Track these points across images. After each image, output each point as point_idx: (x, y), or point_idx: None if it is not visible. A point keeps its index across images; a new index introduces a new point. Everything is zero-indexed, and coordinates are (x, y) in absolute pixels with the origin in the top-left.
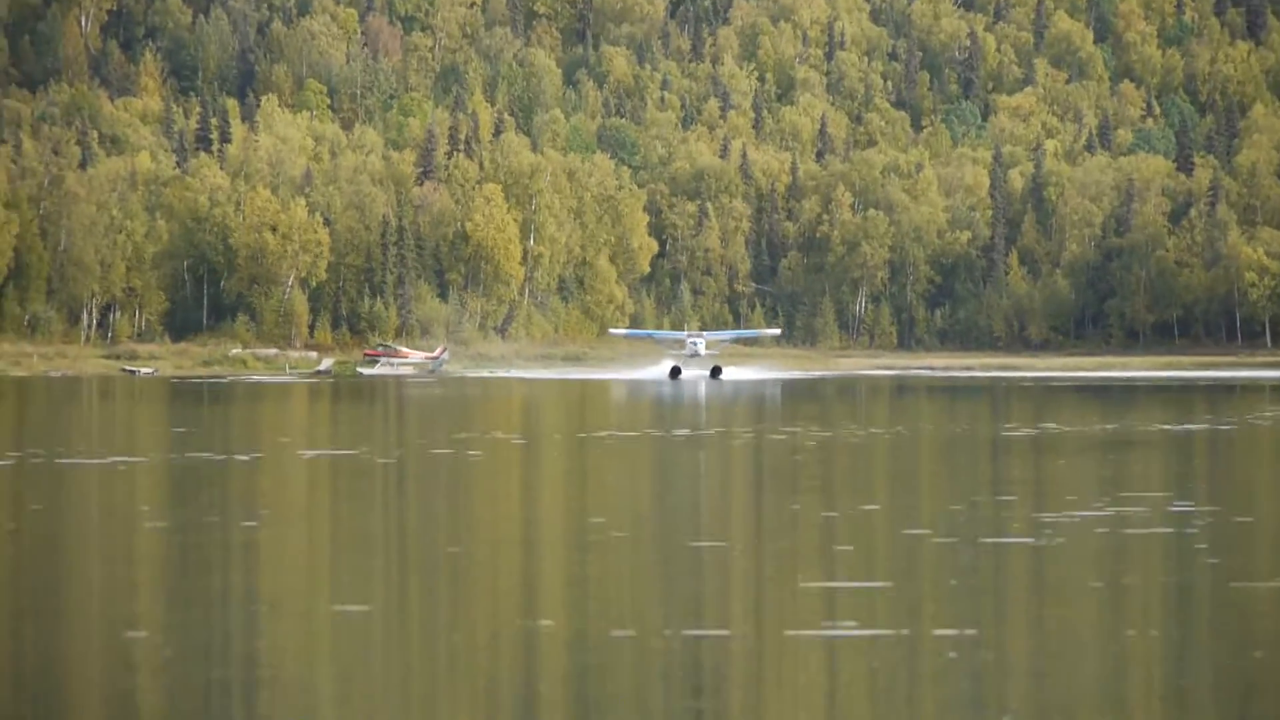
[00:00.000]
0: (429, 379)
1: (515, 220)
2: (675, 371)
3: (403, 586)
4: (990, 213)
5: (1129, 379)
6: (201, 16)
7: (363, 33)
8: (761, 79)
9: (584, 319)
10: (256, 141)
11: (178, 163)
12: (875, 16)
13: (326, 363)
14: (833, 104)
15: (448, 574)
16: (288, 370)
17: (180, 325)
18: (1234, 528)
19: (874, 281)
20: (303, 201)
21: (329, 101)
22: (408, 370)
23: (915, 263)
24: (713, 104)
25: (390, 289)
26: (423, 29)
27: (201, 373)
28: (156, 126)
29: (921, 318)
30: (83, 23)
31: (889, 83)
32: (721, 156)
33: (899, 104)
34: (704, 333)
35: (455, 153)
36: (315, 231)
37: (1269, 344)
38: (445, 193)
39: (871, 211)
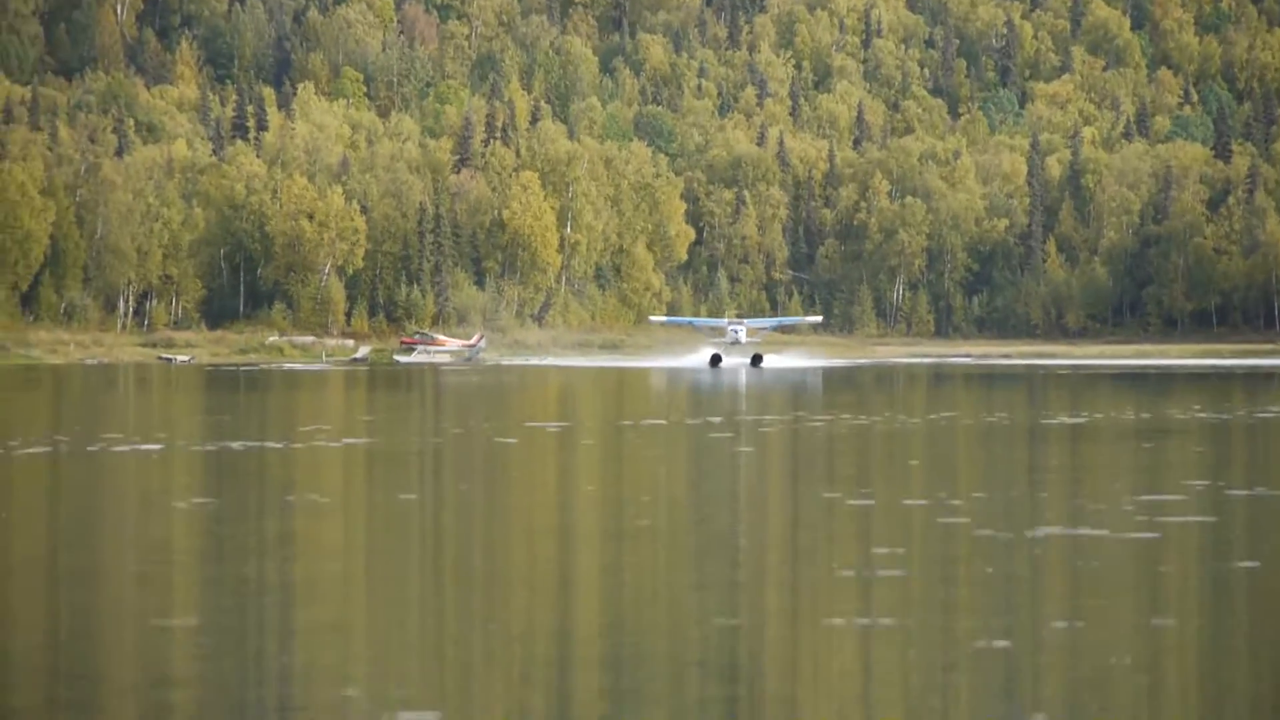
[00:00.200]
0: (466, 366)
1: (552, 208)
2: (715, 359)
3: (438, 573)
4: (1028, 200)
5: (1167, 367)
6: (237, 5)
7: (399, 21)
8: (798, 67)
9: (621, 306)
10: (293, 129)
11: (214, 150)
12: (912, 4)
13: (363, 350)
14: (870, 92)
15: (483, 561)
16: (324, 358)
17: (217, 313)
18: (1272, 515)
19: (911, 269)
20: (339, 189)
21: (365, 89)
22: (444, 358)
23: (953, 250)
24: (749, 92)
25: (427, 276)
26: (459, 17)
27: (238, 360)
28: (193, 114)
29: (959, 305)
30: (118, 11)
31: (926, 70)
32: (758, 144)
33: (936, 91)
34: (744, 320)
35: (492, 140)
36: (352, 219)
37: None
38: (482, 180)
39: (909, 199)
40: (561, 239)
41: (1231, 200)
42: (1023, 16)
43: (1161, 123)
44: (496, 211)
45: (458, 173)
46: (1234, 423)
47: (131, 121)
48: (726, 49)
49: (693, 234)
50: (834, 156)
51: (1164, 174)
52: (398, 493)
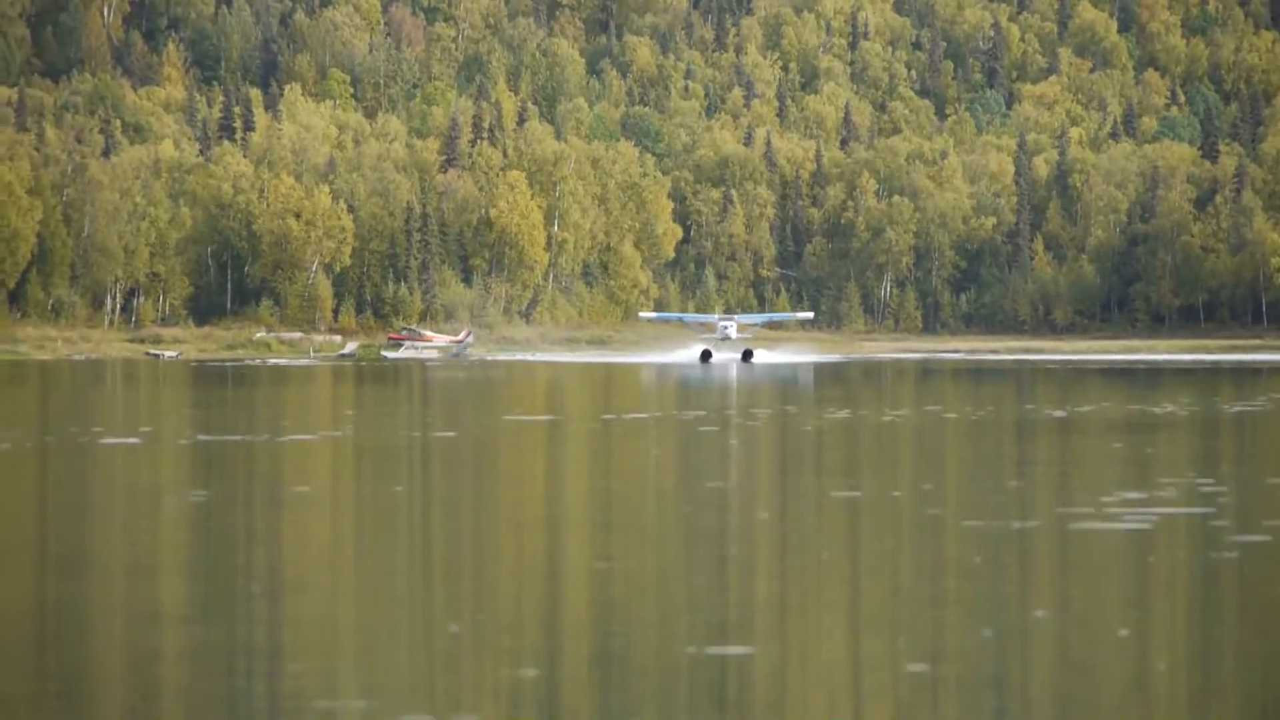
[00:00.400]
0: (453, 362)
1: (539, 207)
2: (706, 355)
3: (426, 566)
4: (1015, 199)
5: (1154, 362)
6: (224, 7)
7: (385, 23)
8: (785, 68)
9: (608, 303)
10: (280, 130)
11: (201, 151)
12: (899, 6)
13: (351, 346)
14: (857, 93)
15: (471, 552)
16: (311, 354)
17: (204, 310)
18: (1260, 508)
19: (899, 267)
20: (326, 189)
21: (352, 91)
22: (432, 354)
23: (940, 248)
24: (736, 93)
25: (414, 274)
26: (446, 19)
27: (225, 356)
28: (179, 115)
29: (946, 302)
30: (105, 13)
31: (913, 72)
32: (745, 144)
33: (923, 93)
34: (735, 316)
35: (479, 140)
36: (339, 218)
37: None
38: (469, 180)
39: (896, 198)
40: (549, 237)
41: (1219, 199)
42: (1010, 19)
43: (1149, 123)
44: (484, 210)
45: (445, 172)
46: (1221, 416)
47: (118, 122)
48: (713, 51)
49: (680, 232)
50: (821, 156)
51: (1151, 174)
52: (385, 486)
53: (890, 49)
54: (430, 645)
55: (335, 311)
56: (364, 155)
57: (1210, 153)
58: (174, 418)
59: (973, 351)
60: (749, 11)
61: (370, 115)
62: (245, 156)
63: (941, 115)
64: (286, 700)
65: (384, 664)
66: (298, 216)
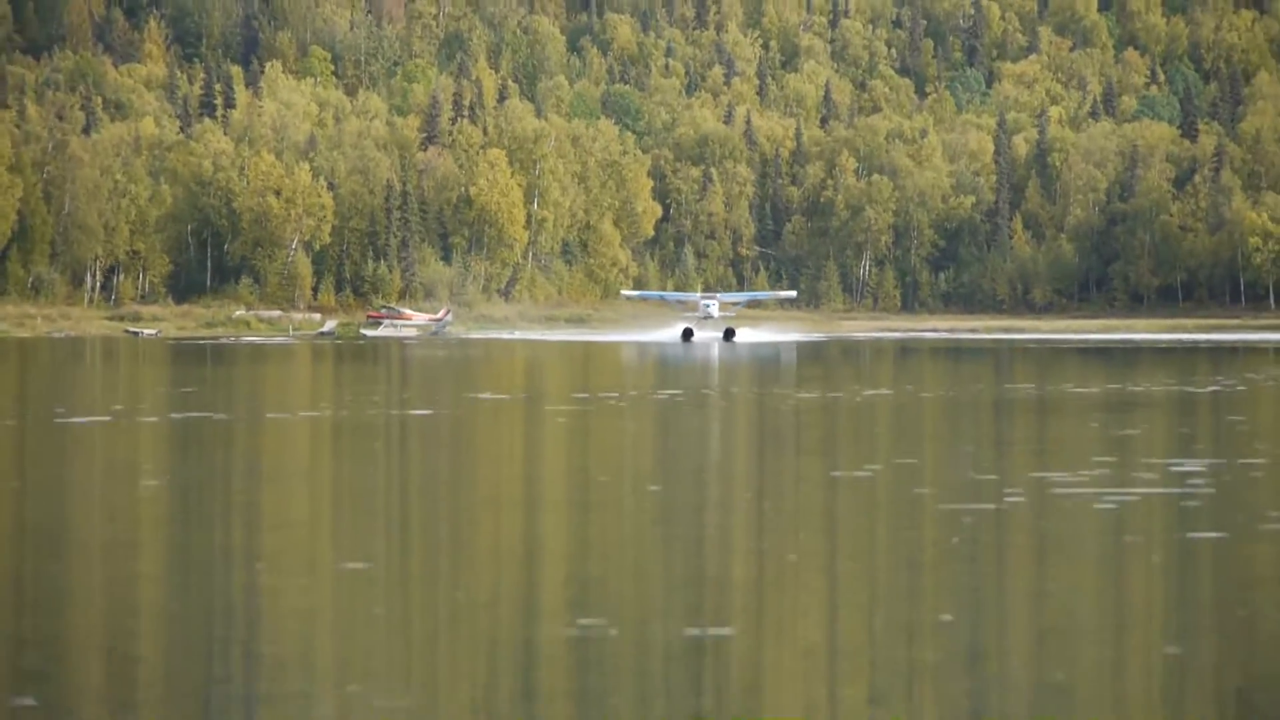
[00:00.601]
0: (432, 341)
1: (519, 185)
2: (687, 334)
3: (404, 545)
4: (994, 178)
5: (1133, 341)
6: None
7: (366, 0)
8: (765, 46)
9: (588, 282)
10: (260, 107)
11: (181, 128)
12: None
13: (330, 324)
14: (837, 71)
15: (448, 533)
16: (290, 332)
17: (184, 288)
18: (1236, 486)
19: (878, 245)
20: (306, 166)
21: (333, 68)
22: (411, 332)
23: (919, 227)
24: (716, 71)
25: (394, 252)
26: None
27: (204, 334)
28: (160, 93)
29: (925, 281)
30: None
31: (893, 50)
32: (726, 123)
33: (903, 71)
34: (717, 294)
35: (459, 118)
36: (319, 195)
37: (1273, 306)
38: (449, 158)
39: (876, 176)
40: (528, 215)
41: (1198, 179)
42: None
43: (1128, 102)
44: (464, 188)
45: (425, 150)
46: (1199, 395)
47: (99, 99)
48: (694, 29)
49: (659, 211)
50: (801, 135)
51: (1130, 153)
52: (363, 464)
53: (870, 27)
54: (407, 624)
55: (315, 289)
56: (344, 133)
57: (1190, 132)
58: (152, 396)
59: (952, 330)
60: None
61: (351, 93)
62: (226, 134)
63: (921, 94)
64: (264, 680)
65: (361, 644)
66: (278, 194)
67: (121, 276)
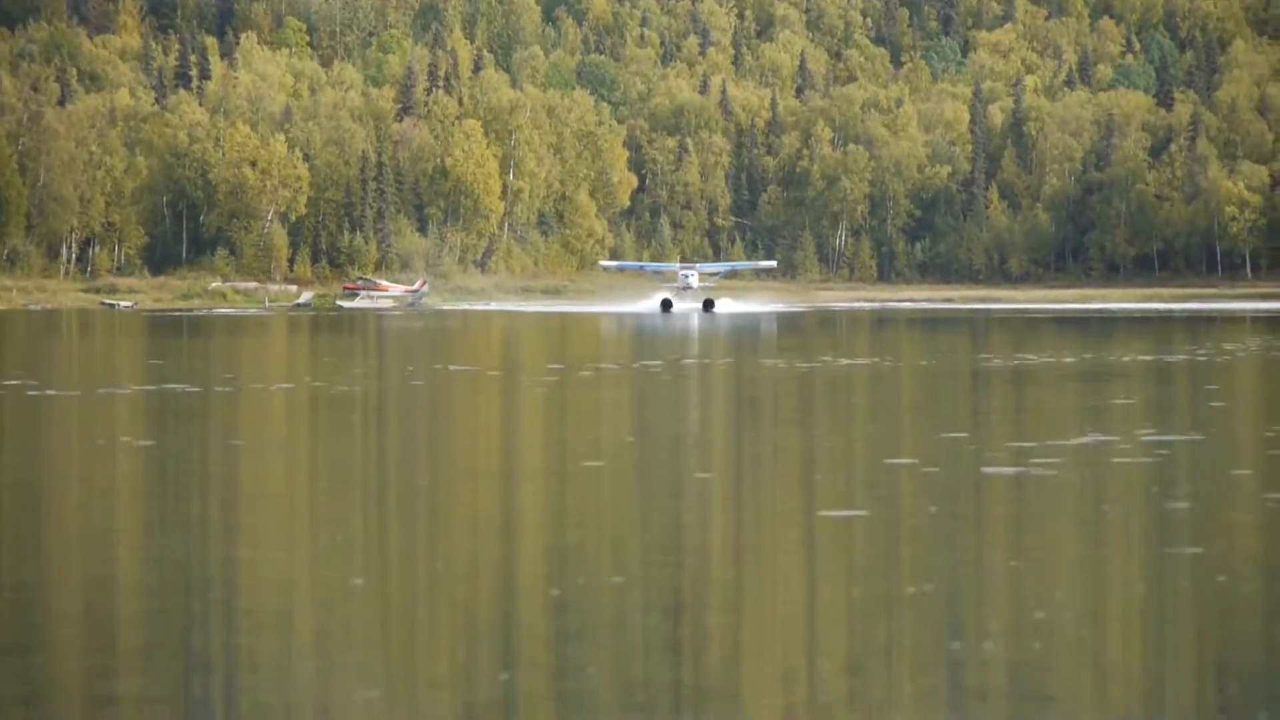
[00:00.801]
0: (408, 312)
1: (495, 156)
2: (666, 304)
3: (381, 517)
4: (970, 147)
5: (1109, 310)
6: None
7: None
8: (741, 16)
9: (563, 252)
10: (236, 78)
11: (157, 100)
12: None
13: (306, 296)
14: (812, 40)
15: (426, 504)
16: (266, 304)
17: (160, 259)
18: (1212, 455)
19: (854, 215)
20: (282, 137)
21: (308, 39)
22: (387, 303)
23: (895, 197)
24: (692, 41)
25: (370, 223)
26: None
27: (181, 306)
28: (135, 64)
29: (901, 251)
30: None
31: (868, 20)
32: (701, 93)
33: (879, 40)
34: (696, 265)
35: (434, 89)
36: (295, 167)
37: (1249, 275)
38: (425, 129)
39: (851, 146)
40: (504, 186)
41: (1174, 148)
42: None
43: (1104, 71)
44: (439, 159)
45: (400, 121)
46: (1176, 365)
47: (74, 71)
48: None
49: (635, 181)
50: (776, 105)
51: (1106, 122)
52: (340, 436)
53: None
54: (385, 595)
55: (291, 261)
56: (320, 104)
57: (1165, 101)
58: (129, 368)
59: (930, 300)
60: None
61: (326, 64)
62: (201, 105)
63: (897, 63)
64: (241, 654)
65: (339, 617)
66: (253, 165)
67: (97, 249)
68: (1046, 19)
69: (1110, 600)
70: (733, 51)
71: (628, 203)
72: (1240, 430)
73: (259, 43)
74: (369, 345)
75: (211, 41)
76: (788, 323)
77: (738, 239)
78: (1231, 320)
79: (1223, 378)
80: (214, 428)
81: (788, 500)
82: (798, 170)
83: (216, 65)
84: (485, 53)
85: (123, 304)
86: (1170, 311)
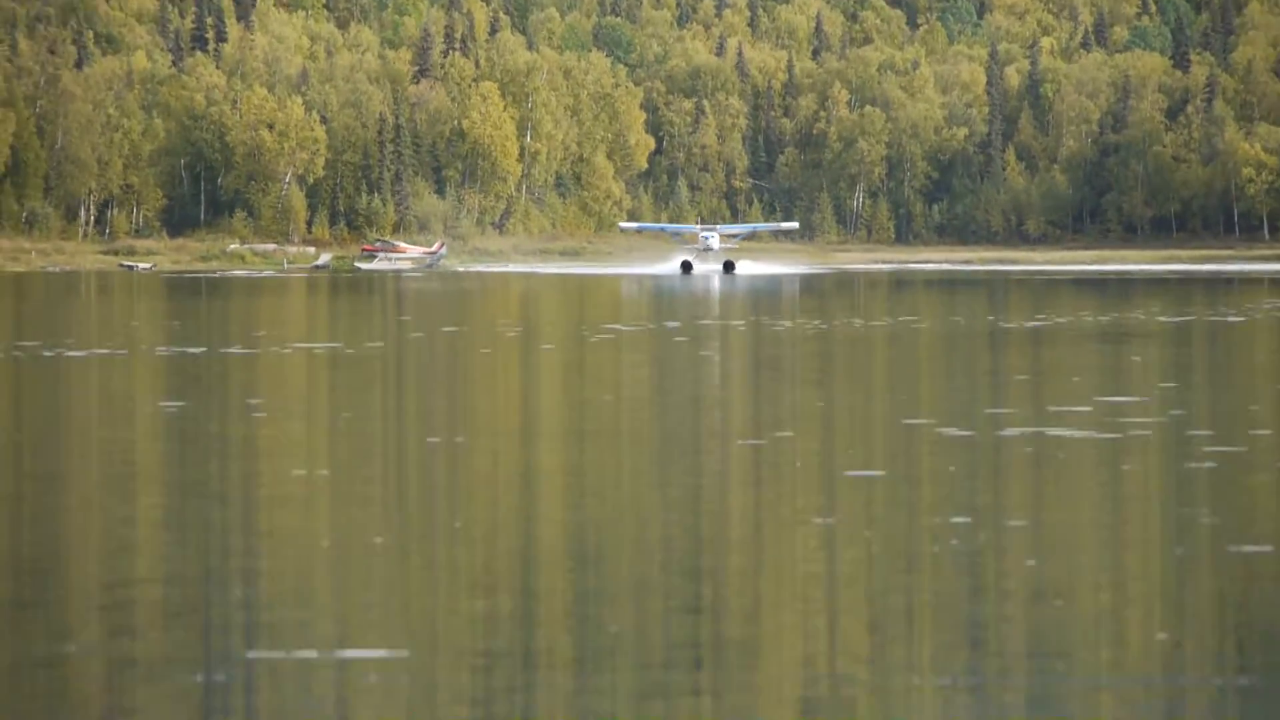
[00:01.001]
0: (427, 274)
1: (512, 118)
2: (686, 266)
3: (401, 477)
4: (987, 109)
5: (1127, 272)
6: None
7: None
8: None
9: (581, 214)
10: (252, 41)
11: (173, 62)
12: None
13: (324, 258)
14: (828, 2)
15: (445, 463)
16: (285, 265)
17: (178, 221)
18: (1232, 416)
19: (871, 177)
20: (299, 100)
21: (324, 1)
22: (405, 265)
23: (912, 159)
24: (708, 3)
25: (388, 185)
26: None
27: (199, 268)
28: (152, 26)
29: (919, 212)
30: None
31: None
32: (717, 55)
33: (894, 2)
34: (717, 226)
35: (451, 51)
36: (312, 129)
37: (1266, 237)
38: (441, 91)
39: (868, 108)
40: (521, 148)
41: (1190, 109)
42: None
43: (1120, 33)
44: (456, 121)
45: (417, 83)
46: (1194, 325)
47: (91, 33)
48: None
49: (652, 143)
50: (793, 67)
51: (1123, 83)
52: (360, 397)
53: None
54: (405, 560)
55: (309, 223)
56: (336, 66)
57: (1181, 62)
58: (148, 329)
59: (949, 262)
60: None
61: (342, 26)
62: (218, 67)
63: (913, 24)
64: (262, 615)
65: (359, 581)
66: (270, 128)
67: (115, 211)
68: None
69: (1130, 568)
70: (749, 13)
71: (645, 165)
72: (1260, 390)
73: (275, 5)
74: (387, 307)
75: (228, 4)
76: (816, 285)
77: (755, 201)
78: (1249, 281)
79: (1242, 340)
80: (234, 388)
81: (806, 460)
82: (815, 133)
83: (233, 28)
84: (501, 14)
85: (141, 266)
86: (1189, 273)
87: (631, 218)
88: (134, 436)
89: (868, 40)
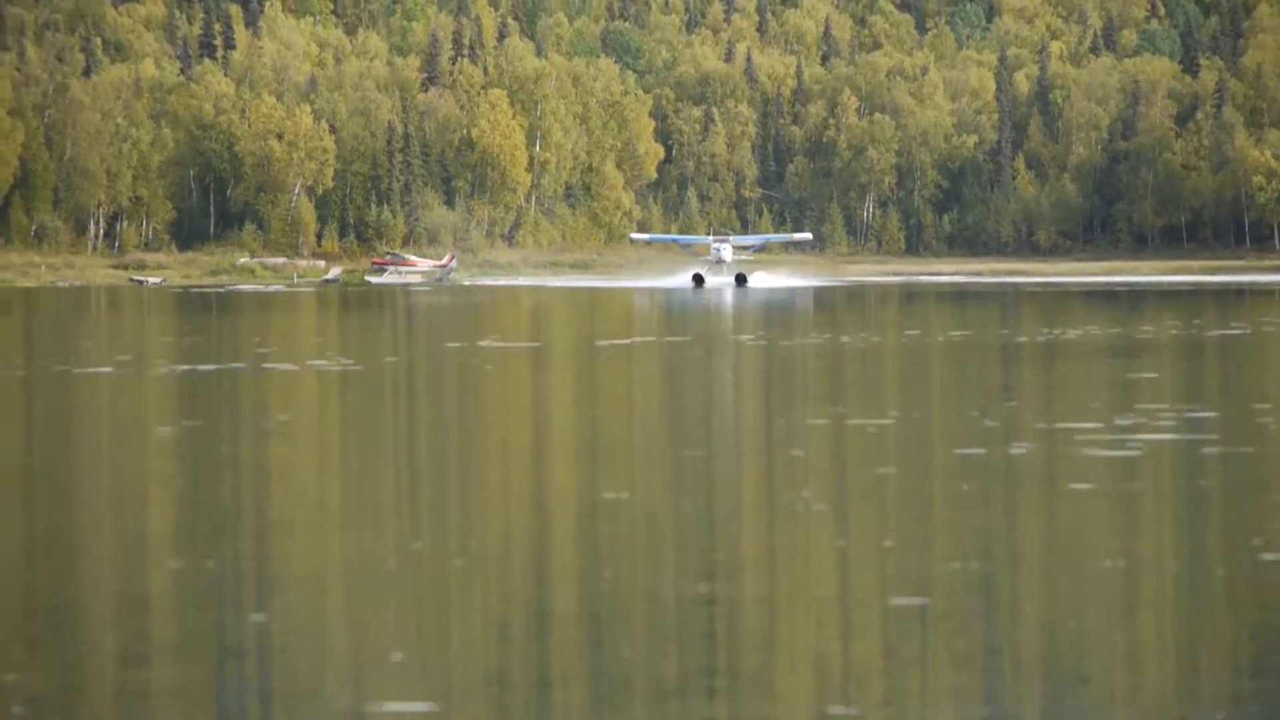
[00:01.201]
0: (438, 287)
1: (521, 126)
2: (698, 279)
3: (414, 494)
4: (996, 116)
5: (1138, 283)
6: None
7: None
8: None
9: (591, 225)
10: (260, 48)
11: (182, 69)
12: None
13: (334, 271)
14: (837, 7)
15: (458, 479)
16: (294, 279)
17: (187, 234)
18: (1246, 432)
19: (881, 186)
20: (308, 108)
21: (332, 7)
22: (416, 279)
23: (922, 167)
24: (716, 8)
25: (397, 196)
26: None
27: (209, 282)
28: (160, 33)
29: (929, 223)
30: None
31: None
32: (726, 61)
33: (903, 6)
34: (730, 237)
35: (459, 58)
36: (321, 139)
37: (1278, 247)
38: (450, 99)
39: (878, 116)
40: (531, 157)
41: (1200, 115)
42: None
43: (1129, 37)
44: (465, 130)
45: (426, 91)
46: (1206, 339)
47: (99, 40)
48: None
49: (662, 152)
50: (802, 73)
51: (1132, 89)
52: (371, 413)
53: None
54: (418, 578)
55: (319, 236)
56: (345, 74)
57: (1191, 67)
58: (158, 346)
59: (962, 274)
60: None
61: (351, 32)
62: (226, 75)
63: (922, 29)
64: (275, 636)
65: (372, 598)
66: (279, 137)
67: (125, 223)
68: None
69: (1144, 585)
70: (757, 19)
71: (655, 174)
72: (1273, 405)
73: (283, 11)
74: (398, 321)
75: (236, 10)
76: (830, 298)
77: (765, 211)
78: (1261, 293)
79: (1254, 353)
80: (245, 404)
81: (819, 480)
82: (824, 140)
83: (241, 34)
84: (510, 20)
85: (151, 280)
86: (1200, 284)
87: (641, 229)
88: (144, 453)
89: (876, 45)
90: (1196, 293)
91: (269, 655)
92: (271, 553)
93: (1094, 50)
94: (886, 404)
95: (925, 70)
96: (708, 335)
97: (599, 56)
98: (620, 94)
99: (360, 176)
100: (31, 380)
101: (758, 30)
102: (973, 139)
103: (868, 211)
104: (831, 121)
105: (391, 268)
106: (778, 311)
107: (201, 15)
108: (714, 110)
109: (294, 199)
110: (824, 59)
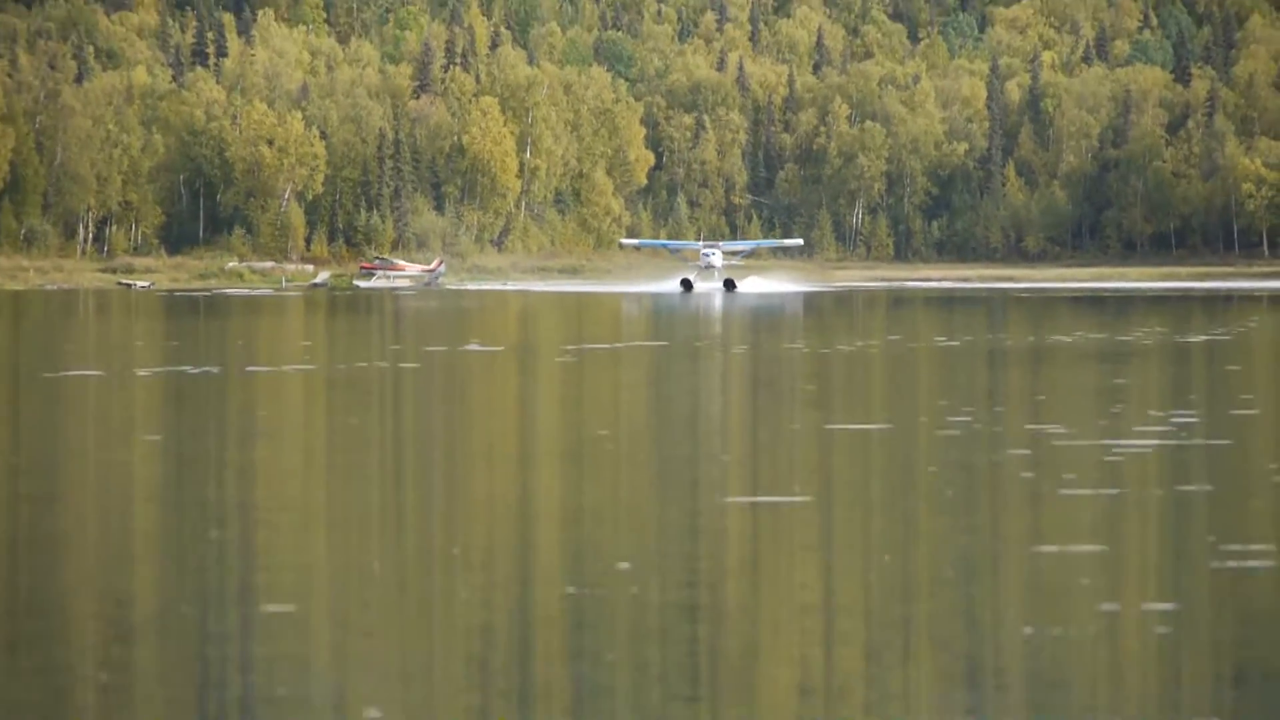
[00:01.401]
0: (426, 292)
1: (512, 133)
2: (687, 284)
3: (399, 499)
4: (987, 124)
5: (1126, 289)
6: None
7: None
8: None
9: (580, 231)
10: (253, 55)
11: (174, 77)
12: None
13: (323, 276)
14: (829, 16)
15: (443, 484)
16: (282, 284)
17: (177, 238)
18: (1233, 436)
19: (871, 193)
20: (299, 115)
21: (325, 16)
22: (404, 283)
23: (912, 174)
24: (709, 17)
25: (387, 202)
26: None
27: (198, 286)
28: (152, 41)
29: (918, 229)
30: None
31: None
32: (718, 69)
33: (896, 16)
34: (719, 243)
35: (451, 66)
36: (311, 145)
37: (1266, 254)
38: (441, 106)
39: (868, 123)
40: (521, 164)
41: (1191, 124)
42: None
43: (1121, 47)
44: (456, 137)
45: (417, 98)
46: (1194, 344)
47: (91, 48)
48: None
49: (652, 159)
50: (794, 81)
51: (1123, 98)
52: (357, 417)
53: None
54: (402, 585)
55: (308, 240)
56: (336, 81)
57: (1182, 77)
58: (146, 349)
59: (950, 280)
60: None
61: (343, 41)
62: (218, 83)
63: (914, 39)
64: (258, 642)
65: (355, 605)
66: (270, 143)
67: (114, 228)
68: None
69: (1129, 591)
70: (750, 28)
71: (645, 181)
72: (1258, 411)
73: (276, 19)
74: (385, 326)
75: (229, 18)
76: (819, 304)
77: (754, 217)
78: (1249, 299)
79: (1240, 358)
80: (231, 410)
81: (805, 483)
82: (815, 148)
83: (233, 43)
84: (502, 29)
85: (139, 284)
86: (1188, 290)
87: (631, 234)
88: (130, 458)
89: (868, 55)
90: (1184, 299)
91: (252, 661)
92: (256, 558)
93: (1086, 60)
94: (872, 409)
95: (917, 79)
96: (689, 340)
97: (591, 65)
98: (611, 102)
99: (350, 182)
100: (19, 383)
101: (750, 40)
102: (963, 146)
103: (857, 217)
104: (822, 129)
105: (380, 272)
106: (766, 316)
107: (194, 24)
108: (705, 118)
109: (284, 204)
110: (816, 68)
